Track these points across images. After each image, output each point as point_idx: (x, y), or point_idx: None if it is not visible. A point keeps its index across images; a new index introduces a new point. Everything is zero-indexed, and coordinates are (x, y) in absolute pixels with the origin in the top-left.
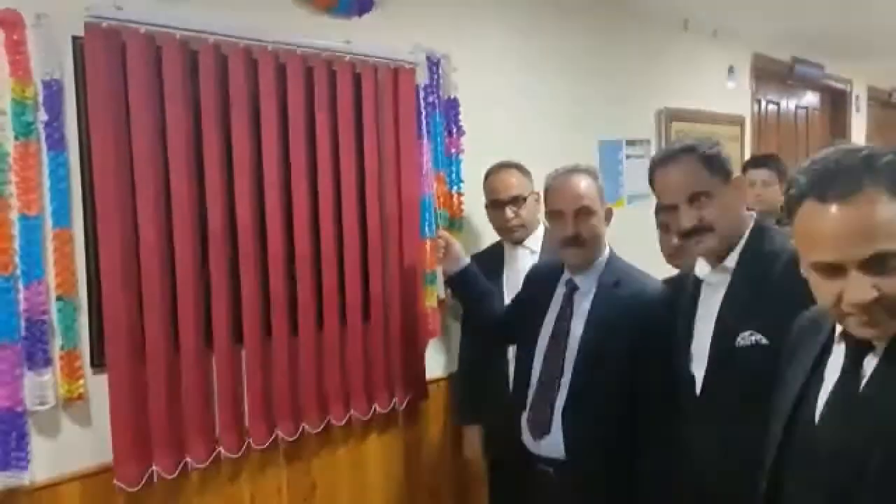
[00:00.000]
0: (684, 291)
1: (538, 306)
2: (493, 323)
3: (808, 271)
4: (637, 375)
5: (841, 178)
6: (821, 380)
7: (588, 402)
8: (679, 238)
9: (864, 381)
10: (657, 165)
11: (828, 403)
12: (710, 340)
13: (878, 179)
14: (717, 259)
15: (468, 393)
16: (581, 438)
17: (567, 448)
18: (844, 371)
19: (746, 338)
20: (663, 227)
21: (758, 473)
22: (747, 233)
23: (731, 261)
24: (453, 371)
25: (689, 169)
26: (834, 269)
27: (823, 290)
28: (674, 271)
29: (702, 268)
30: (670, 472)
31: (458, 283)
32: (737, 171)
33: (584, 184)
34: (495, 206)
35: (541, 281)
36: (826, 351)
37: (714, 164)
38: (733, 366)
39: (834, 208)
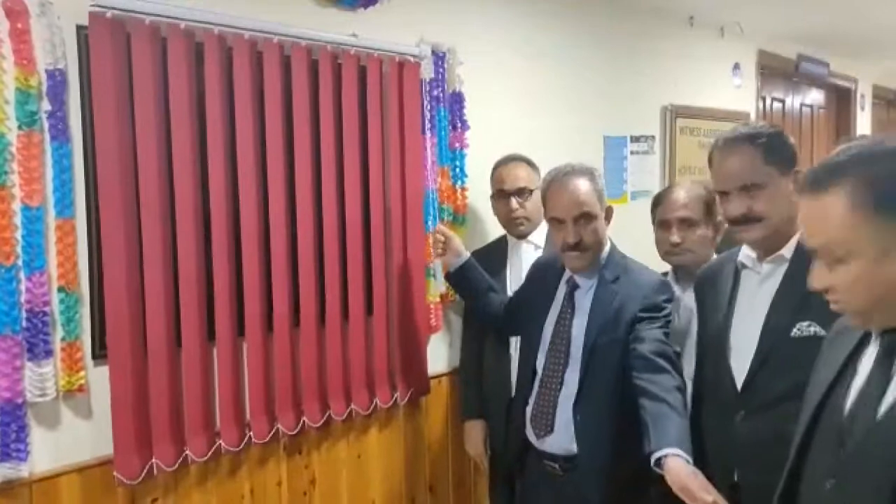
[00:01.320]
0: (717, 286)
1: (540, 303)
2: (493, 318)
3: None
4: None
5: None
6: (854, 372)
7: (591, 399)
8: (728, 223)
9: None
10: (717, 149)
11: (858, 396)
12: (758, 331)
13: None
14: (767, 251)
15: (470, 388)
16: (585, 435)
17: (570, 444)
18: (877, 363)
19: (804, 329)
20: (659, 225)
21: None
22: None
23: (788, 251)
24: (456, 366)
25: (745, 158)
26: None
27: None
28: (668, 267)
29: (747, 258)
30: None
31: (457, 277)
32: None
33: (582, 188)
34: (501, 196)
35: (543, 277)
36: (863, 343)
37: (774, 153)
38: (785, 358)
39: None
